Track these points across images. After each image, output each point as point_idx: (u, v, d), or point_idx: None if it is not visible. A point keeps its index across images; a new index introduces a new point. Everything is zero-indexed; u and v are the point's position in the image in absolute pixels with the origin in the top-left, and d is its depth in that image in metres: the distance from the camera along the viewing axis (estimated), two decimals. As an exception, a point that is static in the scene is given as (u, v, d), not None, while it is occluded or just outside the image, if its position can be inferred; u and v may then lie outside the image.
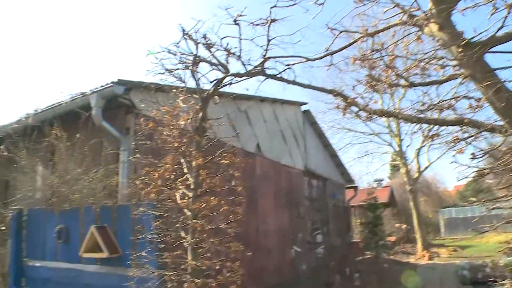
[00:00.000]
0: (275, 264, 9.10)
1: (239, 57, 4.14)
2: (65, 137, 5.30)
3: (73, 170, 4.90)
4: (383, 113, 4.67)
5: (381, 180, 25.36)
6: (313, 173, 12.22)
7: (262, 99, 9.67)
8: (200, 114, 3.89)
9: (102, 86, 5.91)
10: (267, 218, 9.02)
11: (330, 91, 4.55)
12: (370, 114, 4.37)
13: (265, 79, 4.31)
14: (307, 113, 12.59)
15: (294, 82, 4.35)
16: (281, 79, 4.33)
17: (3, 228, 5.51)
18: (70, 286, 4.53)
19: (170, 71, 4.05)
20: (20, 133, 6.37)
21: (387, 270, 11.00)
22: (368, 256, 12.74)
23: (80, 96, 6.20)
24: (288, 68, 4.29)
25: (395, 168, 30.02)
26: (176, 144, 3.83)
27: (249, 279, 3.67)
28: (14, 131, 6.89)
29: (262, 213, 8.84)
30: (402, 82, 4.42)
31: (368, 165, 38.59)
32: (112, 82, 5.73)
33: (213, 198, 3.63)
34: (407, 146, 24.44)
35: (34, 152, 5.73)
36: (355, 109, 4.36)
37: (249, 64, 4.20)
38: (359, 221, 15.64)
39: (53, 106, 6.59)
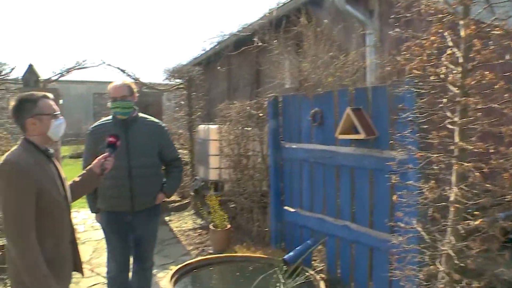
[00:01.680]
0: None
1: None
2: (311, 25, 5.29)
3: (323, 55, 4.88)
4: None
5: None
6: None
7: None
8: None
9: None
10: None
11: None
12: None
13: None
14: None
15: None
16: None
17: (261, 114, 5.98)
18: (324, 166, 4.70)
19: None
20: (267, 26, 6.65)
21: None
22: None
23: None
24: None
25: None
26: (440, 15, 3.35)
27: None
28: (260, 27, 7.22)
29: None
30: None
31: None
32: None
33: (487, 73, 3.13)
34: None
35: (283, 42, 5.92)
36: None
37: None
38: None
39: (296, -5, 6.63)
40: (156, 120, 3.82)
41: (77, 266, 2.67)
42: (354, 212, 4.36)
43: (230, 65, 10.85)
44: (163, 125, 3.85)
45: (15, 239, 2.21)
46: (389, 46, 4.88)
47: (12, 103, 2.41)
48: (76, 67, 8.66)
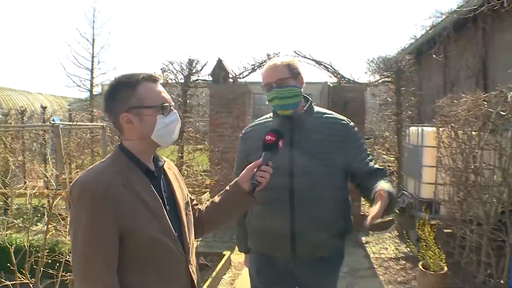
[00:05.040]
0: None
1: None
2: None
3: None
4: None
5: None
6: None
7: None
8: None
9: None
10: None
11: None
12: None
13: None
14: None
15: None
16: None
17: (504, 112, 4.06)
18: None
19: None
20: None
21: None
22: None
23: None
24: None
25: None
26: None
27: None
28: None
29: None
30: None
31: None
32: None
33: None
34: None
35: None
36: None
37: None
38: None
39: None
40: (340, 117, 2.34)
41: None
42: None
43: (446, 53, 8.90)
44: (351, 124, 2.40)
45: None
46: None
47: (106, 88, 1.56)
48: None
